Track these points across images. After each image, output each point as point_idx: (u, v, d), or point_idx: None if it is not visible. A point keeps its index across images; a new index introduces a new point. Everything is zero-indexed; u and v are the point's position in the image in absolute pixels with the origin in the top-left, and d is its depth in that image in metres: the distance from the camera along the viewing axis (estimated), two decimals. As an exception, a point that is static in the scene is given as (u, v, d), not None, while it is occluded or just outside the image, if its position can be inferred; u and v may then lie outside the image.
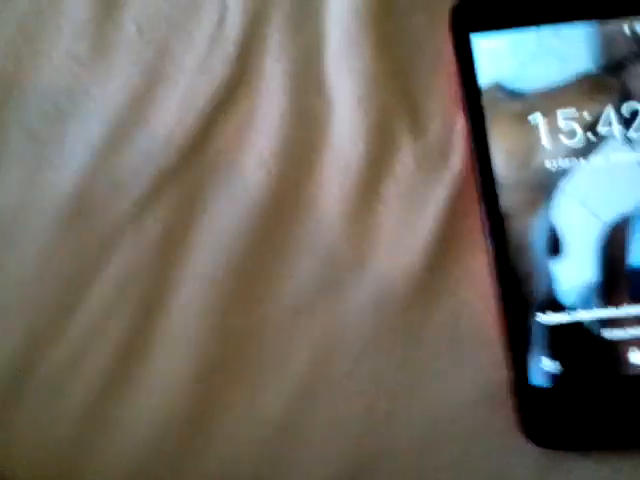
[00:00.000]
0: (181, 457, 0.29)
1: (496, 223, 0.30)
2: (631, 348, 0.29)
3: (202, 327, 0.30)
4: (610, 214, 0.30)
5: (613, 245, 0.30)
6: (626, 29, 0.31)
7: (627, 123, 0.31)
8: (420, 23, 0.34)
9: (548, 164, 0.31)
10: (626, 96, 0.31)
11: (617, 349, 0.29)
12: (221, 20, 0.33)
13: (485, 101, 0.31)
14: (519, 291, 0.29)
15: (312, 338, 0.30)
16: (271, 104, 0.33)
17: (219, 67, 0.33)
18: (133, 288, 0.31)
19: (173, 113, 0.32)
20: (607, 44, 0.31)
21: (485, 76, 0.32)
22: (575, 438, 0.28)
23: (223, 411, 0.30)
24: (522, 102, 0.31)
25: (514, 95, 0.31)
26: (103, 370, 0.30)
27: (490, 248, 0.30)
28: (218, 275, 0.31)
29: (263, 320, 0.31)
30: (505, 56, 0.32)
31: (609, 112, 0.31)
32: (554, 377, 0.29)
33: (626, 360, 0.29)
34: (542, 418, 0.28)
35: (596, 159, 0.31)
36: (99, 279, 0.31)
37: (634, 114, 0.31)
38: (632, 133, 0.31)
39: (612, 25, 0.31)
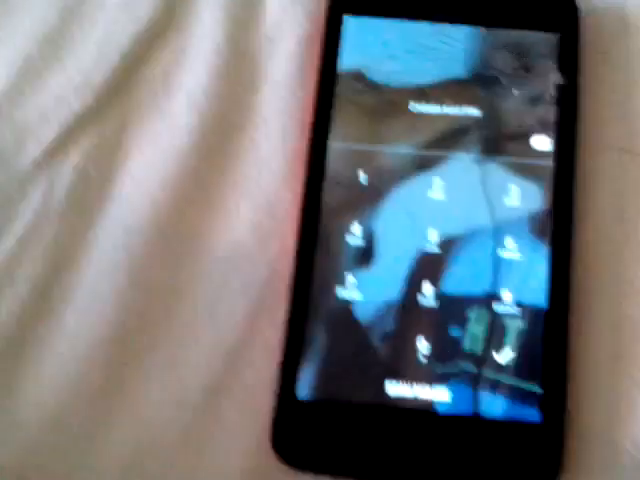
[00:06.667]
0: (91, 434, 0.26)
1: (311, 220, 0.28)
2: (394, 380, 0.27)
3: (119, 284, 0.28)
4: (436, 235, 0.28)
5: (427, 267, 0.28)
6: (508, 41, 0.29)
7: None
8: None
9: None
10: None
11: (382, 377, 0.26)
12: None
13: (339, 86, 0.30)
14: (311, 296, 0.27)
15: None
16: (204, 40, 0.30)
17: (144, 4, 0.31)
18: (38, 243, 0.28)
19: (91, 54, 0.30)
20: (485, 54, 0.29)
21: (347, 61, 0.30)
22: (328, 461, 0.26)
23: (143, 375, 0.27)
24: (378, 96, 0.29)
25: (372, 87, 0.30)
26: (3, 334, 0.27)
27: (297, 247, 0.27)
28: (141, 228, 0.28)
29: (193, 276, 0.28)
30: (374, 44, 0.30)
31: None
32: (318, 395, 0.26)
33: (386, 391, 0.26)
34: (299, 435, 0.26)
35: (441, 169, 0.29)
36: (4, 234, 0.28)
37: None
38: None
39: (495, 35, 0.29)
